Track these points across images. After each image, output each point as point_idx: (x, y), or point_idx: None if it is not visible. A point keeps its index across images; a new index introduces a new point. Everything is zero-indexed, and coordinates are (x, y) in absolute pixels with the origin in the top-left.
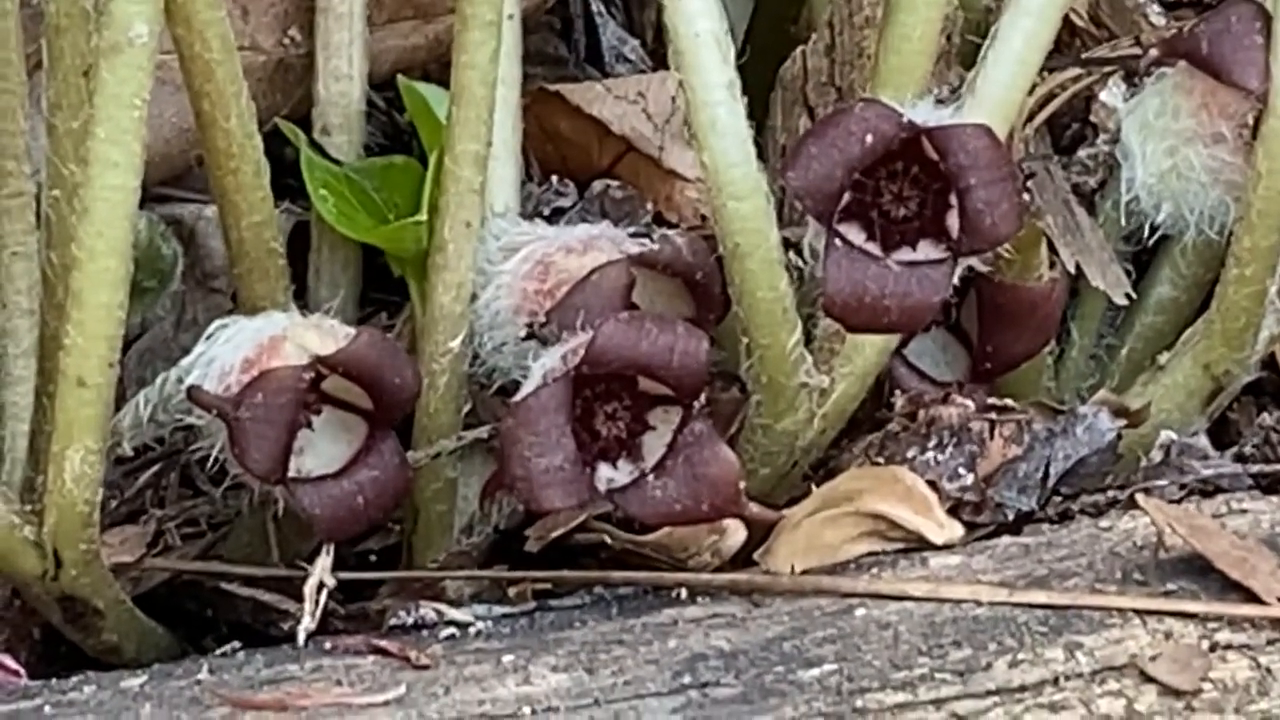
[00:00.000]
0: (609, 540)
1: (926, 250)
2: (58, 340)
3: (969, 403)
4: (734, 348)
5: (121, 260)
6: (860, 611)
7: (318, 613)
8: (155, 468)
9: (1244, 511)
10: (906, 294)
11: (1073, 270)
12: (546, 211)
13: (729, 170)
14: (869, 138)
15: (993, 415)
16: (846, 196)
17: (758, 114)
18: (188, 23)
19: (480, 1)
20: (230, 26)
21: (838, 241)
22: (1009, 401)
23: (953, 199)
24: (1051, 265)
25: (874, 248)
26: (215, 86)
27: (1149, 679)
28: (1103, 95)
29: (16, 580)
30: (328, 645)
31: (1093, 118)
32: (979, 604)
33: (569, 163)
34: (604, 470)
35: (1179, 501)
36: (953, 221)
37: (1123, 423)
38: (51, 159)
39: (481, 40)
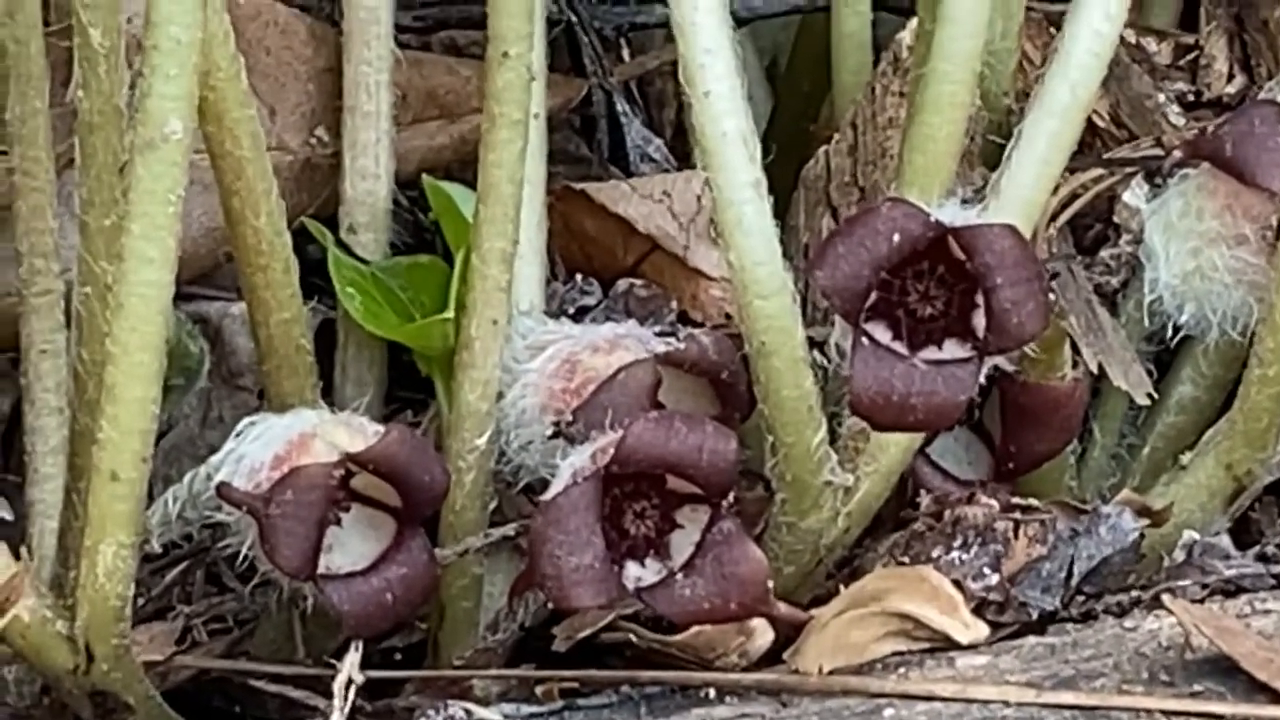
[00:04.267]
0: (636, 639)
1: (953, 349)
2: (88, 436)
3: (994, 502)
4: (759, 446)
5: (155, 355)
6: (888, 712)
7: (346, 709)
8: (182, 565)
9: (1268, 612)
10: (933, 393)
11: (1095, 370)
12: (571, 310)
13: (755, 269)
14: (896, 237)
15: (1017, 515)
16: (873, 295)
17: (780, 213)
18: (219, 120)
19: (508, 100)
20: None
21: (865, 340)
22: (1033, 501)
23: (979, 298)
24: (1074, 365)
25: (900, 346)
26: (245, 184)
27: None
28: (1125, 196)
29: (48, 675)
30: None
31: (1115, 218)
32: (1007, 704)
33: (594, 261)
34: (632, 569)
35: (1201, 601)
36: (979, 321)
37: (1145, 522)
38: (83, 256)
39: (509, 139)
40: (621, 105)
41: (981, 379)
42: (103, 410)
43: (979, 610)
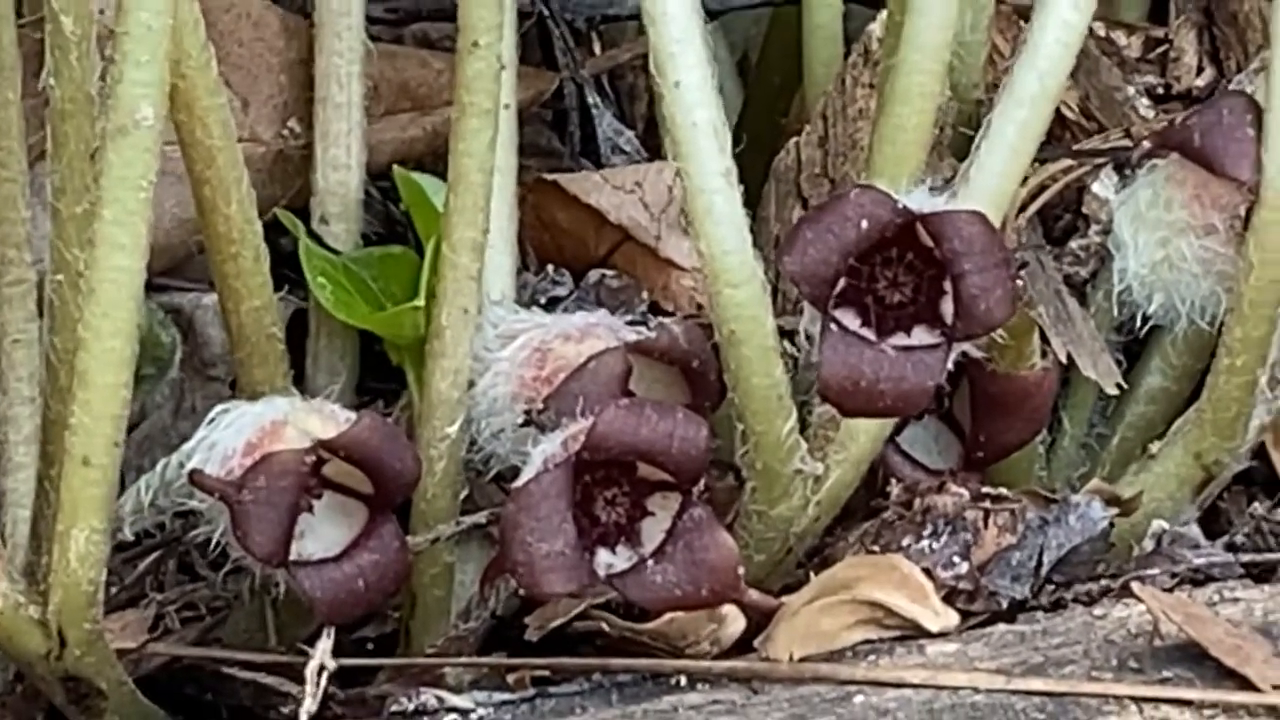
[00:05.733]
0: (607, 628)
1: (921, 335)
2: (60, 424)
3: (964, 491)
4: (729, 435)
5: (127, 341)
6: (859, 699)
7: (319, 695)
8: (155, 554)
9: (1236, 600)
10: (901, 378)
11: (1064, 360)
12: (543, 300)
13: (725, 257)
14: (864, 223)
15: (987, 504)
16: (842, 282)
17: (751, 205)
18: (189, 109)
19: (477, 90)
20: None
21: (833, 326)
22: (1003, 490)
23: (947, 284)
24: (1043, 355)
25: (869, 333)
26: (216, 172)
27: None
28: (1094, 187)
29: (20, 660)
30: None
31: (1084, 209)
32: (976, 691)
33: (565, 252)
34: (603, 556)
35: (1171, 590)
36: (947, 307)
37: (1115, 511)
38: (55, 244)
39: (478, 128)
40: (593, 98)
41: (950, 366)
42: (75, 396)
43: (949, 598)
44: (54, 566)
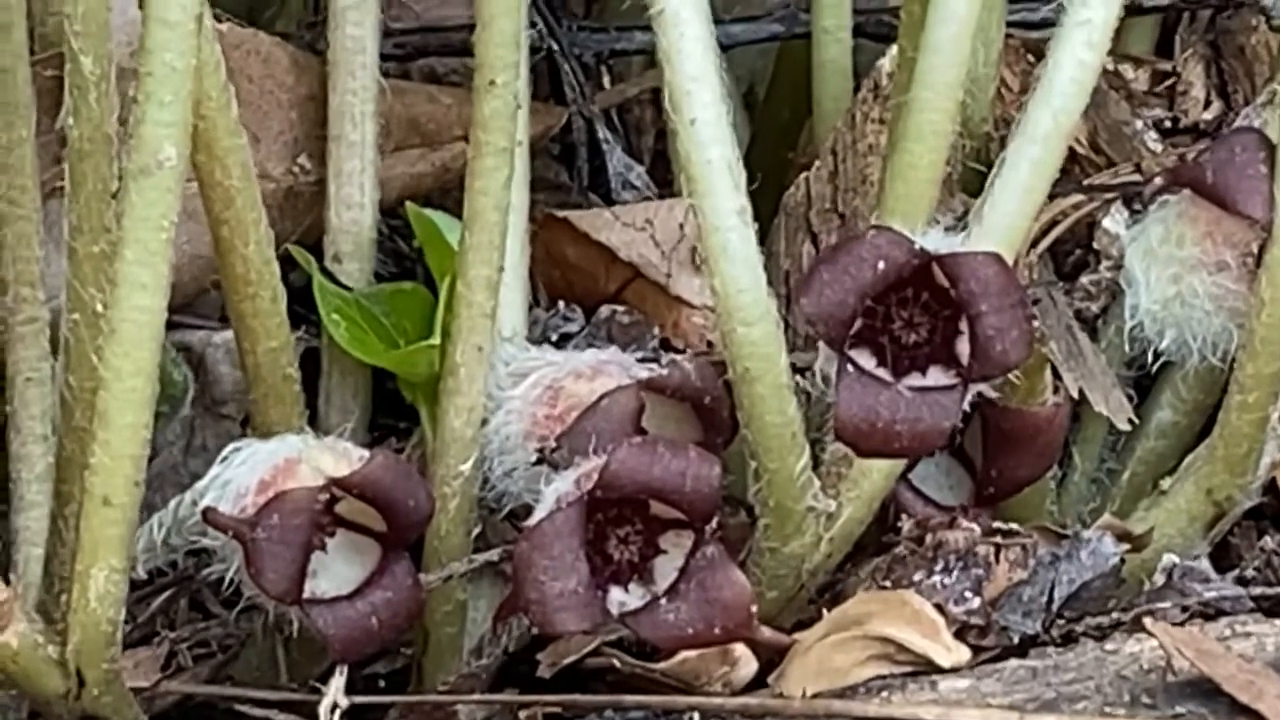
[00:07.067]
0: (619, 665)
1: (937, 376)
2: (74, 463)
3: (975, 527)
4: (741, 472)
5: (148, 380)
6: None
7: None
8: (167, 592)
9: (1248, 634)
10: (917, 419)
11: (1076, 395)
12: (554, 337)
13: (739, 295)
14: (881, 264)
15: (998, 539)
16: (858, 323)
17: (760, 239)
18: (208, 149)
19: (494, 128)
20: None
21: (849, 367)
22: (1014, 525)
23: (963, 325)
24: (1055, 390)
25: (885, 373)
26: (235, 213)
27: None
28: (1105, 222)
29: (38, 700)
30: None
31: (1095, 244)
32: None
33: (576, 289)
34: (616, 594)
35: (1181, 624)
36: (963, 348)
37: (1126, 547)
38: (72, 283)
39: (495, 166)
40: (603, 133)
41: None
42: (94, 435)
43: (960, 634)
44: (73, 606)
